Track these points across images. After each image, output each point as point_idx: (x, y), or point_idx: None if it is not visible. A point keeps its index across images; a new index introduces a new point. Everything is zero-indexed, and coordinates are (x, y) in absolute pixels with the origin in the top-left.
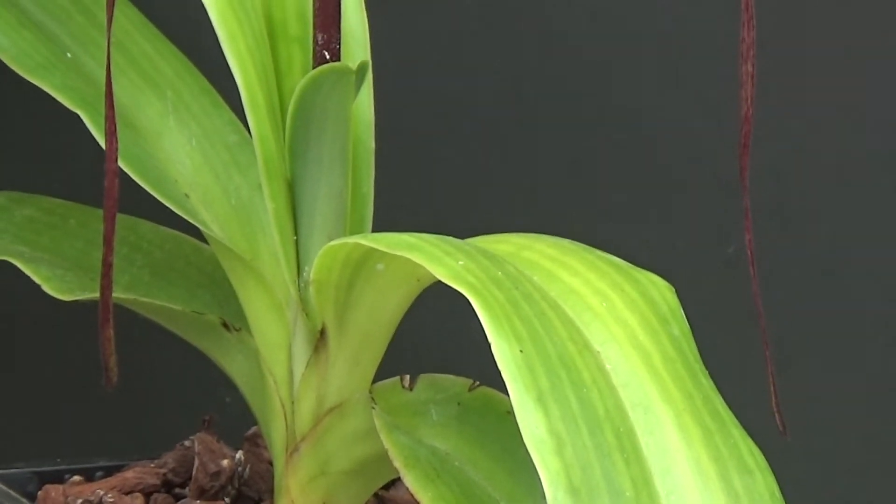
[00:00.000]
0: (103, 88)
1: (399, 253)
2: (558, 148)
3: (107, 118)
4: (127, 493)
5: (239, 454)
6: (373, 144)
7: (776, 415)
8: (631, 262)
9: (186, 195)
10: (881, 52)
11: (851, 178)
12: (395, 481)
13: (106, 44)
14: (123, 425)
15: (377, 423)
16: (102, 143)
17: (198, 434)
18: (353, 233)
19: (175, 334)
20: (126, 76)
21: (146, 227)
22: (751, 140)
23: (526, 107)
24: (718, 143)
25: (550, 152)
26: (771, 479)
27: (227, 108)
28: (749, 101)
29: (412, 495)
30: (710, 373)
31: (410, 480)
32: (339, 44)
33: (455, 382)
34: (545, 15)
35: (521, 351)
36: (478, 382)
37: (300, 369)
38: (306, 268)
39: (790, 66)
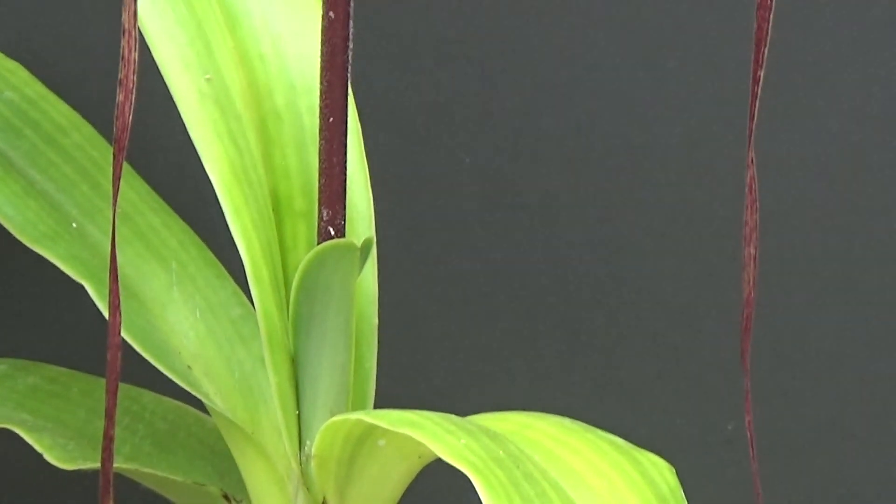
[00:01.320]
0: (108, 259)
1: (401, 430)
2: (559, 320)
3: (111, 292)
4: None
5: None
6: (376, 320)
7: None
8: (630, 438)
9: (189, 367)
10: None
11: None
12: None
13: (111, 216)
14: None
15: None
16: (107, 315)
17: None
18: (355, 407)
19: None
20: (131, 247)
21: (149, 397)
22: (752, 323)
23: (525, 264)
24: (720, 322)
25: (551, 323)
26: None
27: (231, 280)
28: (751, 283)
29: None
30: None
31: None
32: (345, 220)
33: None
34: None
35: None
36: None
37: None
38: (308, 442)
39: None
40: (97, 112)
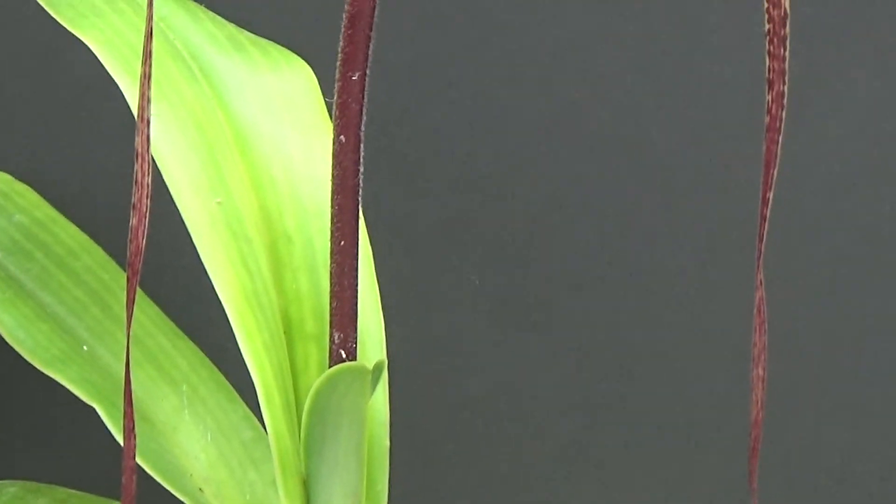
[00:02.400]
0: (119, 381)
1: None
2: (569, 441)
3: (125, 416)
4: None
5: None
6: (387, 443)
7: None
8: None
9: (201, 489)
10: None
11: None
12: None
13: (125, 340)
14: None
15: None
16: (118, 438)
17: None
18: None
19: None
20: (142, 369)
21: None
22: (760, 444)
23: (535, 386)
24: (723, 447)
25: (560, 445)
26: None
27: (242, 402)
28: (759, 404)
29: None
30: None
31: None
32: (356, 342)
33: None
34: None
35: None
36: None
37: None
38: None
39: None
40: (106, 234)
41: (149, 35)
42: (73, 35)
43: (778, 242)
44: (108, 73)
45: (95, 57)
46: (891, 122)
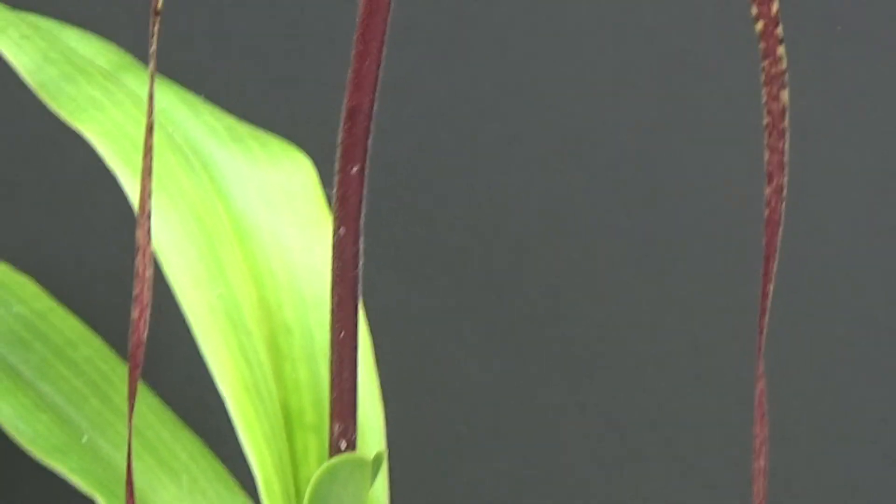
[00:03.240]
0: (119, 471)
1: None
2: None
3: None
4: None
5: None
6: None
7: None
8: None
9: None
10: None
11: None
12: None
13: (126, 431)
14: None
15: None
16: None
17: None
18: None
19: None
20: (142, 460)
21: None
22: None
23: (535, 478)
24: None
25: None
26: None
27: (242, 492)
28: (762, 496)
29: None
30: None
31: None
32: (356, 433)
33: None
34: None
35: None
36: None
37: None
38: None
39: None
40: (106, 325)
41: (149, 130)
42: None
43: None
44: (106, 165)
45: (94, 149)
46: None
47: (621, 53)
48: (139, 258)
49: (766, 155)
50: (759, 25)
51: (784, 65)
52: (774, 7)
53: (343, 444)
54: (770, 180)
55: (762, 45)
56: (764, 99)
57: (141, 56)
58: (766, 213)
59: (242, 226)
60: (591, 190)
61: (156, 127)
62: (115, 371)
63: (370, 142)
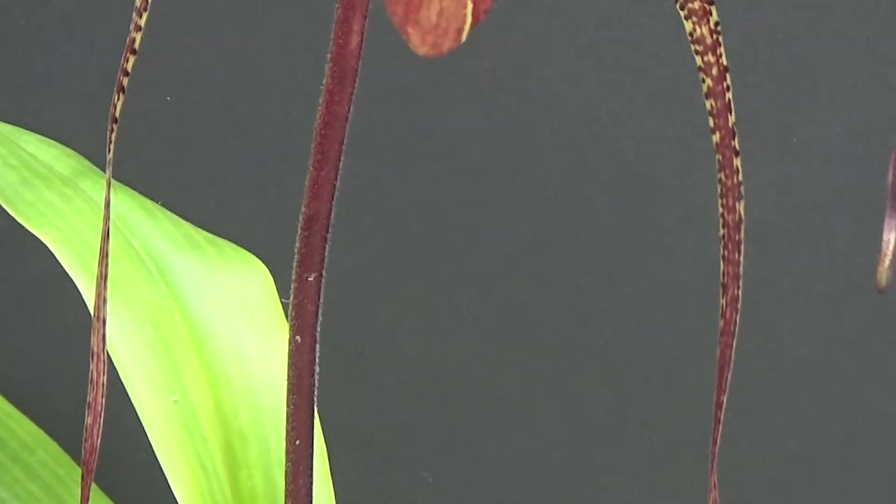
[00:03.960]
0: None
1: None
2: None
3: None
4: None
5: None
6: None
7: None
8: None
9: None
10: None
11: None
12: None
13: None
14: None
15: None
16: None
17: None
18: None
19: None
20: None
21: None
22: None
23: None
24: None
25: None
26: None
27: None
28: None
29: None
30: None
31: None
32: None
33: None
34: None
35: None
36: None
37: None
38: None
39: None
40: (62, 429)
41: (105, 236)
42: (29, 232)
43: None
44: (64, 270)
45: (52, 254)
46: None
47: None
48: (93, 364)
49: (722, 266)
50: (716, 137)
51: (740, 177)
52: (731, 119)
53: None
54: (725, 291)
55: (718, 157)
56: (720, 210)
57: (99, 162)
58: (721, 323)
59: (199, 332)
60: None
61: (113, 233)
62: (71, 475)
63: (327, 250)
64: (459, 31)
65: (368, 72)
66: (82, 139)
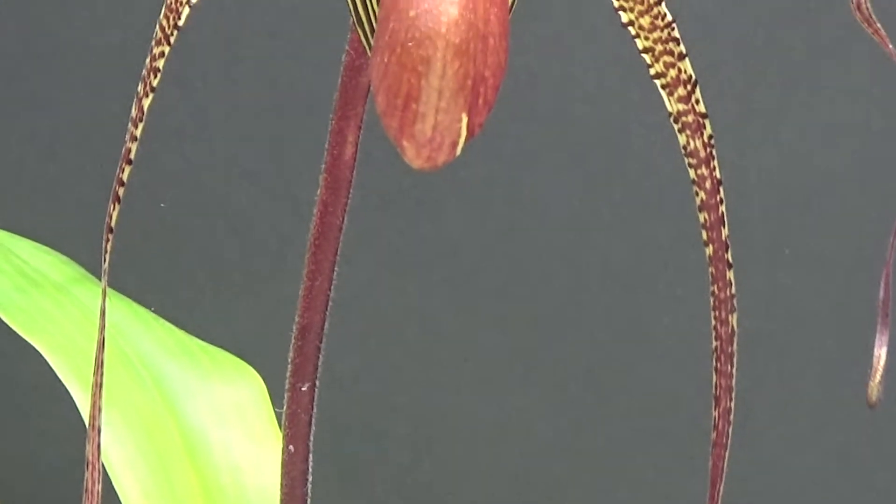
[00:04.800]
0: None
1: None
2: None
3: None
4: None
5: None
6: None
7: None
8: None
9: None
10: None
11: None
12: None
13: None
14: None
15: None
16: None
17: None
18: None
19: None
20: None
21: None
22: None
23: None
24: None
25: None
26: None
27: None
28: None
29: None
30: None
31: None
32: None
33: None
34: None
35: None
36: None
37: None
38: None
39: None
40: None
41: (100, 345)
42: (22, 338)
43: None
44: (58, 376)
45: (45, 360)
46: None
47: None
48: (88, 473)
49: (714, 378)
50: (709, 250)
51: (733, 289)
52: (724, 232)
53: None
54: (717, 404)
55: (711, 270)
56: (712, 322)
57: (92, 269)
58: (713, 436)
59: (192, 440)
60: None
61: (107, 340)
62: None
63: (321, 360)
64: (455, 144)
65: (362, 180)
66: (76, 245)
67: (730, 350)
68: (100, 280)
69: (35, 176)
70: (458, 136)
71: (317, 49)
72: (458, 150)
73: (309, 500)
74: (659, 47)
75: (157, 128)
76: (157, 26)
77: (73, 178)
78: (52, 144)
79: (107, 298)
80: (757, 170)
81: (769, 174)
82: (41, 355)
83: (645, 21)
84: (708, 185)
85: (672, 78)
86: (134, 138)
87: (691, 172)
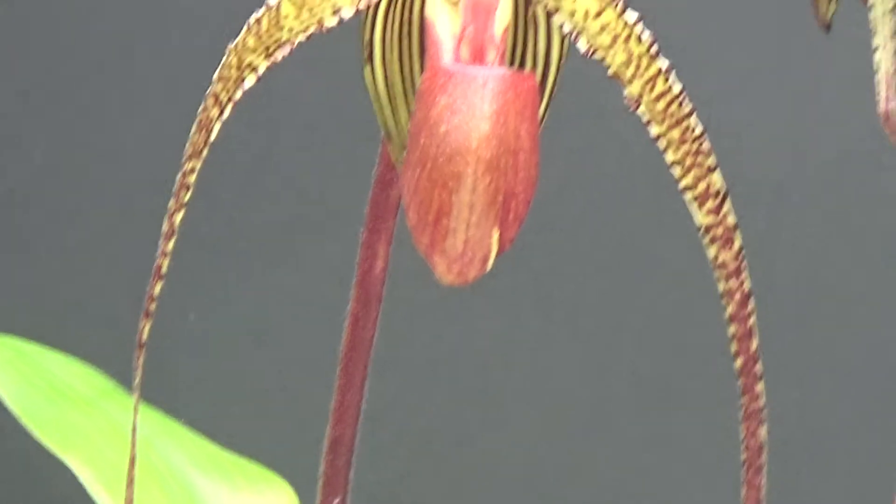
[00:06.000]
0: None
1: None
2: None
3: None
4: None
5: None
6: None
7: None
8: None
9: None
10: None
11: None
12: None
13: None
14: None
15: None
16: None
17: None
18: None
19: None
20: None
21: None
22: None
23: None
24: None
25: None
26: None
27: None
28: None
29: None
30: None
31: None
32: None
33: None
34: None
35: None
36: None
37: None
38: None
39: None
40: None
41: (132, 461)
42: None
43: None
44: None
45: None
46: None
47: None
48: None
49: (743, 491)
50: (738, 362)
51: (763, 401)
52: (754, 344)
53: None
54: None
55: (741, 382)
56: (742, 435)
57: (123, 381)
58: None
59: None
60: None
61: (138, 454)
62: None
63: (352, 473)
64: (486, 259)
65: (392, 293)
66: (106, 358)
67: (758, 463)
68: (130, 392)
69: (65, 288)
70: (489, 251)
71: (347, 162)
72: (489, 266)
73: None
74: (689, 160)
75: (186, 239)
76: (189, 141)
77: (103, 291)
78: (81, 256)
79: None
80: (785, 277)
81: (796, 284)
82: (73, 471)
83: (675, 134)
84: (738, 296)
85: (701, 191)
86: (165, 254)
87: (720, 285)
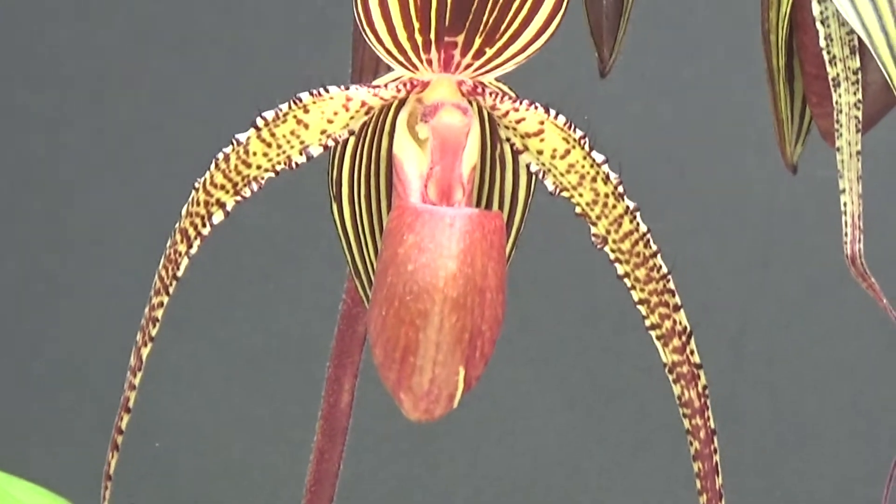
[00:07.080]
0: None
1: None
2: None
3: None
4: None
5: None
6: None
7: None
8: None
9: None
10: None
11: None
12: None
13: None
14: None
15: None
16: None
17: None
18: None
19: None
20: None
21: None
22: None
23: None
24: None
25: None
26: None
27: None
28: None
29: None
30: None
31: None
32: None
33: None
34: None
35: None
36: None
37: None
38: None
39: None
40: None
41: None
42: None
43: None
44: None
45: None
46: None
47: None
48: None
49: None
50: (703, 500)
51: None
52: (719, 481)
53: None
54: None
55: None
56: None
57: None
58: None
59: None
60: None
61: None
62: None
63: None
64: (452, 397)
65: (358, 424)
66: (71, 485)
67: None
68: None
69: (31, 416)
70: (456, 388)
71: (313, 296)
72: (455, 403)
73: None
74: (654, 299)
75: (152, 370)
76: (157, 276)
77: (70, 418)
78: (48, 385)
79: None
80: (751, 413)
81: (762, 418)
82: None
83: (640, 273)
84: (702, 434)
85: (667, 329)
86: (133, 387)
87: (685, 422)
